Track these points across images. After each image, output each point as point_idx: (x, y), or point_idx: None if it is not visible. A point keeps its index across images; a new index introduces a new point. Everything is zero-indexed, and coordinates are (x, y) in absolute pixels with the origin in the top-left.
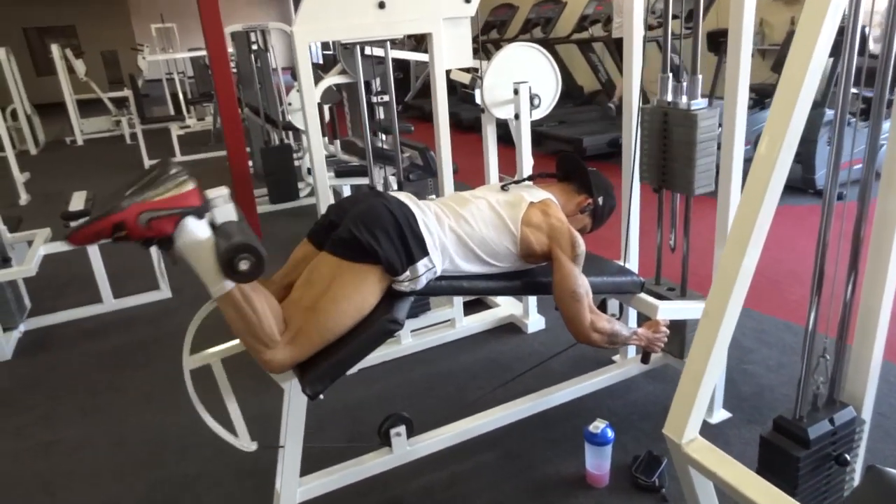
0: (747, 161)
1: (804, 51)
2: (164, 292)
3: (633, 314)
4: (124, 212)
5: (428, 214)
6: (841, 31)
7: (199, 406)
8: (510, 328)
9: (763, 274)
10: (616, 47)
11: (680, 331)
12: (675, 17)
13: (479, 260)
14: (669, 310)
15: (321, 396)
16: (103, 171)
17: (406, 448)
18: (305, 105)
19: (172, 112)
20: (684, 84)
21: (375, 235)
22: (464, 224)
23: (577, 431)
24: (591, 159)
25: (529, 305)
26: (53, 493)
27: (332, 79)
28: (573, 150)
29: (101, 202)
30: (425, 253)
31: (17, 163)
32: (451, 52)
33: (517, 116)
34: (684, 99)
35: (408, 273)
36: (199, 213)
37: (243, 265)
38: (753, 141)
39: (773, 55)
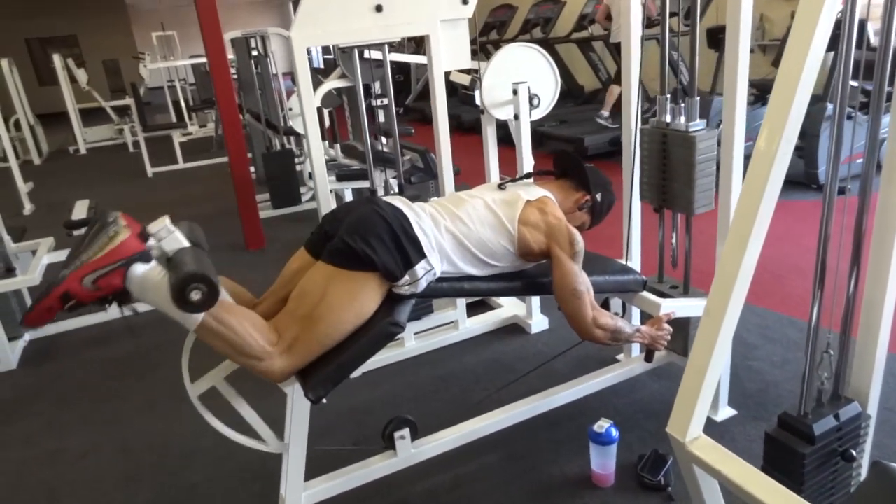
0: (749, 158)
1: (801, 44)
2: None
3: (636, 313)
4: (65, 282)
5: (422, 216)
6: (839, 25)
7: (221, 427)
8: (514, 329)
9: (766, 269)
10: (615, 47)
11: (683, 328)
12: (673, 14)
13: (478, 260)
14: (672, 305)
15: (324, 400)
16: (107, 179)
17: (410, 451)
18: (305, 110)
19: (174, 119)
20: (682, 105)
21: (370, 243)
22: (460, 224)
23: (581, 431)
24: (593, 158)
25: (533, 306)
26: (59, 501)
27: (332, 83)
28: (574, 150)
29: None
30: (422, 255)
31: (20, 173)
32: (450, 54)
33: (517, 117)
34: (682, 120)
35: (407, 277)
36: (144, 256)
37: (194, 296)
38: (755, 137)
39: (774, 50)
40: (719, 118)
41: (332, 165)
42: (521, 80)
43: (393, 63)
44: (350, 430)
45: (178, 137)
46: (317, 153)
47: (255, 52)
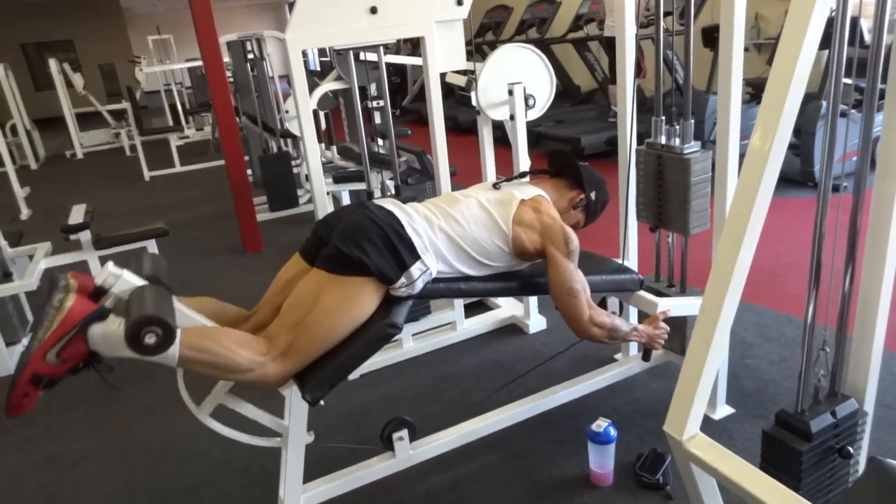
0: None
1: (794, 42)
2: None
3: (633, 312)
4: (29, 365)
5: (414, 217)
6: (833, 23)
7: (235, 434)
8: (512, 329)
9: (763, 268)
10: (610, 46)
11: (680, 327)
12: (668, 14)
13: (473, 260)
14: (669, 304)
15: (322, 402)
16: (104, 183)
17: (409, 452)
18: (300, 112)
19: (171, 123)
20: (677, 127)
21: (363, 248)
22: (454, 224)
23: (580, 431)
24: (590, 158)
25: (530, 306)
26: None
27: (328, 85)
28: (571, 150)
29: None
30: (417, 257)
31: (17, 178)
32: (445, 55)
33: (513, 117)
34: (677, 141)
35: (403, 279)
36: (98, 314)
37: (149, 339)
38: (750, 135)
39: (770, 49)
40: (714, 117)
41: (328, 168)
42: (517, 81)
43: (389, 65)
44: (349, 431)
45: (174, 141)
46: (313, 155)
47: (250, 55)
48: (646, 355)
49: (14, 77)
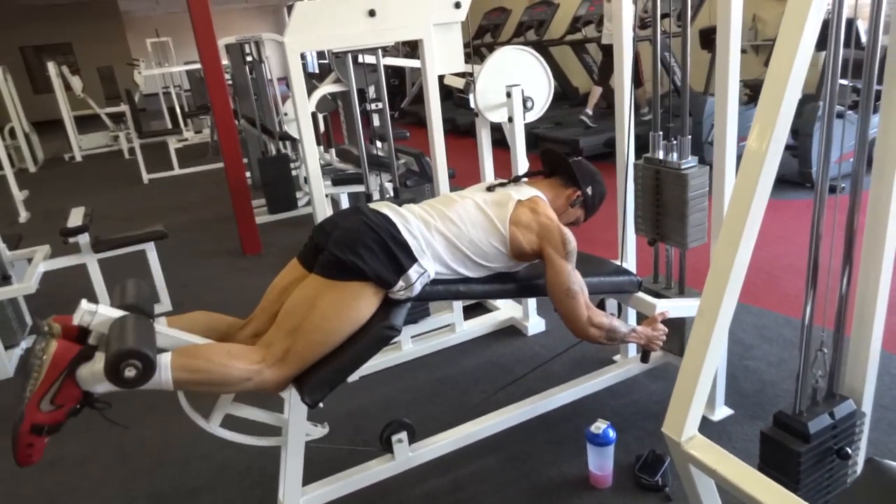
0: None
1: (790, 43)
2: (165, 306)
3: (632, 314)
4: (25, 418)
5: (410, 220)
6: (829, 24)
7: (247, 439)
8: (511, 331)
9: (762, 269)
10: (604, 51)
11: (679, 329)
12: (665, 16)
13: (470, 261)
14: (667, 306)
15: (321, 405)
16: (102, 186)
17: (408, 454)
18: (299, 115)
19: (170, 126)
20: (675, 143)
21: (359, 254)
22: (450, 225)
23: (579, 432)
24: (588, 160)
25: (529, 308)
26: None
27: (327, 88)
28: (570, 151)
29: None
30: (413, 260)
31: (16, 181)
32: (443, 58)
33: (511, 119)
34: (675, 156)
35: (401, 283)
36: (83, 354)
37: (129, 373)
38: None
39: (767, 51)
40: (712, 119)
41: (327, 170)
42: (515, 83)
43: (387, 67)
44: (348, 433)
45: (173, 144)
46: (312, 158)
47: (249, 58)
48: (644, 357)
49: (13, 80)
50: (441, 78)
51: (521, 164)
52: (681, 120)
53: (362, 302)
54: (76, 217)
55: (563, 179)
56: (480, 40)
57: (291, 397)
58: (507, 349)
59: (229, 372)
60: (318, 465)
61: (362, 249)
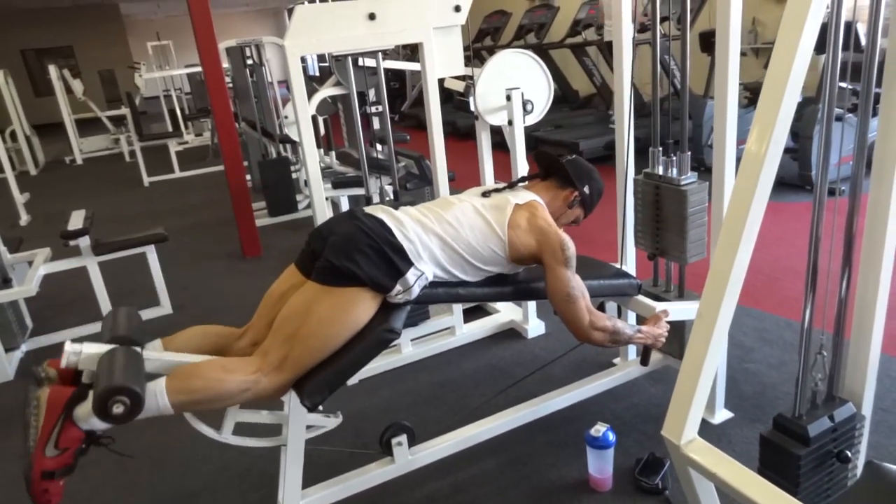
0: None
1: (789, 46)
2: (165, 308)
3: (632, 317)
4: (34, 466)
5: (405, 223)
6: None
7: (250, 442)
8: (510, 334)
9: (762, 272)
10: (609, 51)
11: (679, 331)
12: (665, 19)
13: (468, 264)
14: (667, 308)
15: (320, 408)
16: (103, 189)
17: (408, 457)
18: (299, 118)
19: (170, 128)
20: (674, 158)
21: (355, 260)
22: (448, 228)
23: (579, 435)
24: (589, 162)
25: (529, 311)
26: None
27: (327, 91)
28: (570, 154)
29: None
30: (410, 263)
31: (17, 184)
32: (443, 61)
33: (511, 122)
34: (675, 172)
35: (399, 287)
36: (77, 396)
37: (117, 409)
38: None
39: (767, 54)
40: (712, 122)
41: (327, 173)
42: (515, 86)
43: (388, 70)
44: (348, 436)
45: (174, 146)
46: (312, 161)
47: (250, 61)
48: (644, 359)
49: (14, 83)
50: (441, 81)
51: (521, 167)
52: (680, 123)
53: (360, 307)
54: (77, 220)
55: (558, 181)
56: (480, 43)
57: (291, 400)
58: (507, 352)
59: (226, 386)
60: (318, 467)
61: (358, 255)
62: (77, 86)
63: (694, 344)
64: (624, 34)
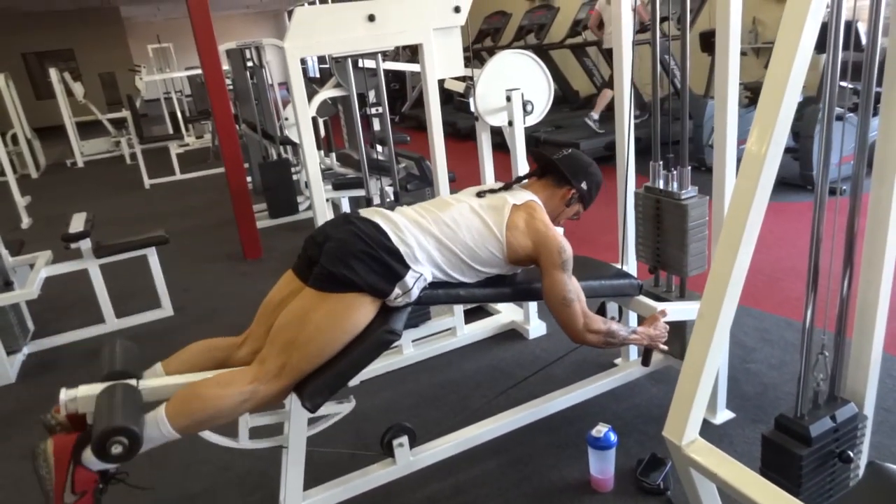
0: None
1: (789, 46)
2: (167, 310)
3: (633, 318)
4: None
5: (402, 225)
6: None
7: (250, 444)
8: (512, 335)
9: (763, 272)
10: (609, 51)
11: (680, 332)
12: (665, 19)
13: (465, 265)
14: (668, 308)
15: (321, 409)
16: (104, 192)
17: (409, 458)
18: (299, 119)
19: (171, 131)
20: (675, 173)
21: (351, 266)
22: (445, 228)
23: (581, 436)
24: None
25: (530, 311)
26: None
27: (327, 92)
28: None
29: None
30: (407, 266)
31: (18, 187)
32: (443, 62)
33: (511, 123)
34: (675, 186)
35: (397, 290)
36: (83, 440)
37: (116, 450)
38: None
39: (768, 53)
40: (713, 122)
41: (327, 175)
42: (515, 87)
43: (388, 71)
44: (349, 438)
45: (174, 149)
46: (312, 163)
47: (250, 63)
48: (645, 360)
49: (15, 86)
50: (441, 82)
51: (522, 168)
52: (681, 123)
53: (358, 311)
54: (78, 222)
55: (555, 179)
56: (480, 44)
57: (292, 402)
58: (508, 353)
59: (225, 401)
60: (320, 469)
61: (353, 261)
62: (78, 89)
63: (695, 344)
64: (624, 35)
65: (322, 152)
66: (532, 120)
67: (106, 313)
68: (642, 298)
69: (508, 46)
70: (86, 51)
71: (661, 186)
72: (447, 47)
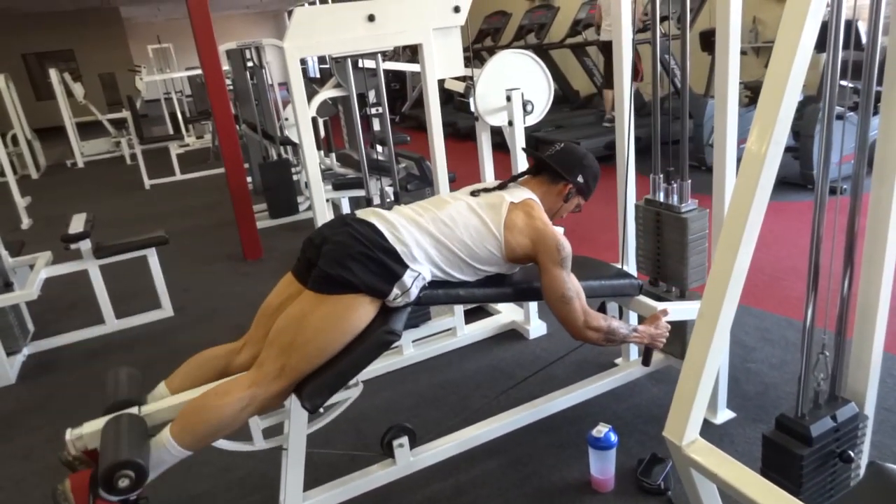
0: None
1: (789, 45)
2: (167, 311)
3: (633, 318)
4: None
5: (398, 225)
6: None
7: (250, 446)
8: (512, 335)
9: (764, 271)
10: (606, 50)
11: (681, 332)
12: (665, 18)
13: (463, 263)
14: (668, 308)
15: (321, 410)
16: (104, 192)
17: (410, 459)
18: (299, 119)
19: (171, 131)
20: (675, 185)
21: (349, 268)
22: (442, 227)
23: (581, 436)
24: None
25: (530, 311)
26: None
27: (327, 92)
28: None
29: None
30: (405, 266)
31: (18, 187)
32: (443, 62)
33: (511, 123)
34: (675, 199)
35: (396, 290)
36: (93, 480)
37: (123, 483)
38: None
39: (768, 53)
40: (713, 121)
41: (327, 175)
42: (515, 87)
43: (388, 71)
44: (349, 438)
45: (175, 149)
46: (312, 163)
47: (250, 63)
48: (646, 359)
49: (15, 87)
50: (441, 82)
51: (522, 167)
52: (681, 123)
53: (357, 312)
54: (78, 223)
55: (550, 175)
56: (480, 44)
57: (291, 403)
58: (509, 353)
59: (225, 411)
60: (320, 469)
61: (351, 263)
62: (78, 89)
63: (695, 344)
64: (624, 34)
65: (322, 152)
66: (532, 120)
67: (106, 314)
68: (642, 298)
69: (508, 46)
70: (86, 51)
71: (662, 199)
72: (447, 47)
